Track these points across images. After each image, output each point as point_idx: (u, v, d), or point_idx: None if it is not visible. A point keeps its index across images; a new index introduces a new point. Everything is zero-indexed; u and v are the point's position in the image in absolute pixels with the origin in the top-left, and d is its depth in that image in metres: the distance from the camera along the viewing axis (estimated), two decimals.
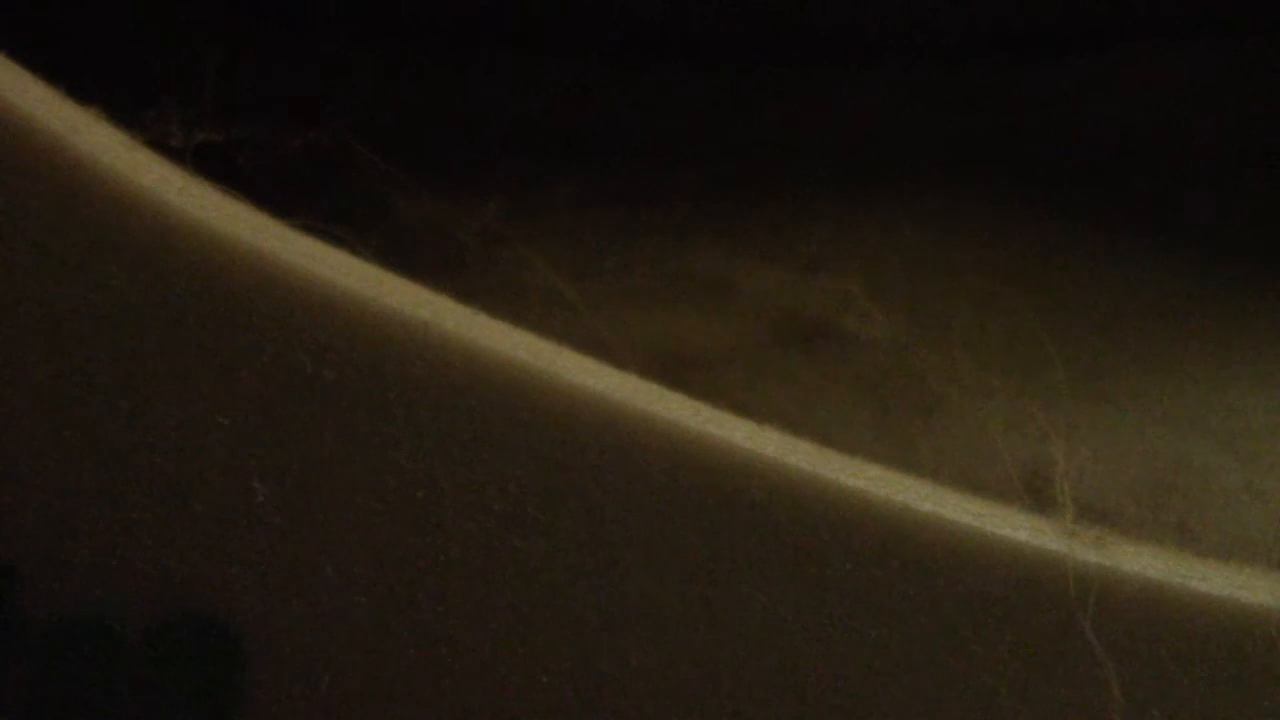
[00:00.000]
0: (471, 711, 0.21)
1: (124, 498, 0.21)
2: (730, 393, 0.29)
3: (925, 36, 0.32)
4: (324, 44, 0.32)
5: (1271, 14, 0.32)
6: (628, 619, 0.20)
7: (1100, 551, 0.20)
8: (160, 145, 0.22)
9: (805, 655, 0.20)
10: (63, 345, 0.21)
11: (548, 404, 0.20)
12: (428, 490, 0.20)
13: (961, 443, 0.29)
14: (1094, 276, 0.31)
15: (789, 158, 0.32)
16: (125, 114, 0.21)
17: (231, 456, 0.21)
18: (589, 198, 0.31)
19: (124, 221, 0.21)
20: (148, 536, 0.21)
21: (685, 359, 0.30)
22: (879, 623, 0.20)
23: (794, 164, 0.32)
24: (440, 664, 0.21)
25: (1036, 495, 0.21)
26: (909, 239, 0.31)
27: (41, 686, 0.21)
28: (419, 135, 0.32)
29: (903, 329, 0.30)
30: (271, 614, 0.21)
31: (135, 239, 0.21)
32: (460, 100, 0.32)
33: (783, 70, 0.32)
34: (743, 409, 0.21)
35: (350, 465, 0.20)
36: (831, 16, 0.32)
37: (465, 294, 0.21)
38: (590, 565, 0.20)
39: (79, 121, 0.21)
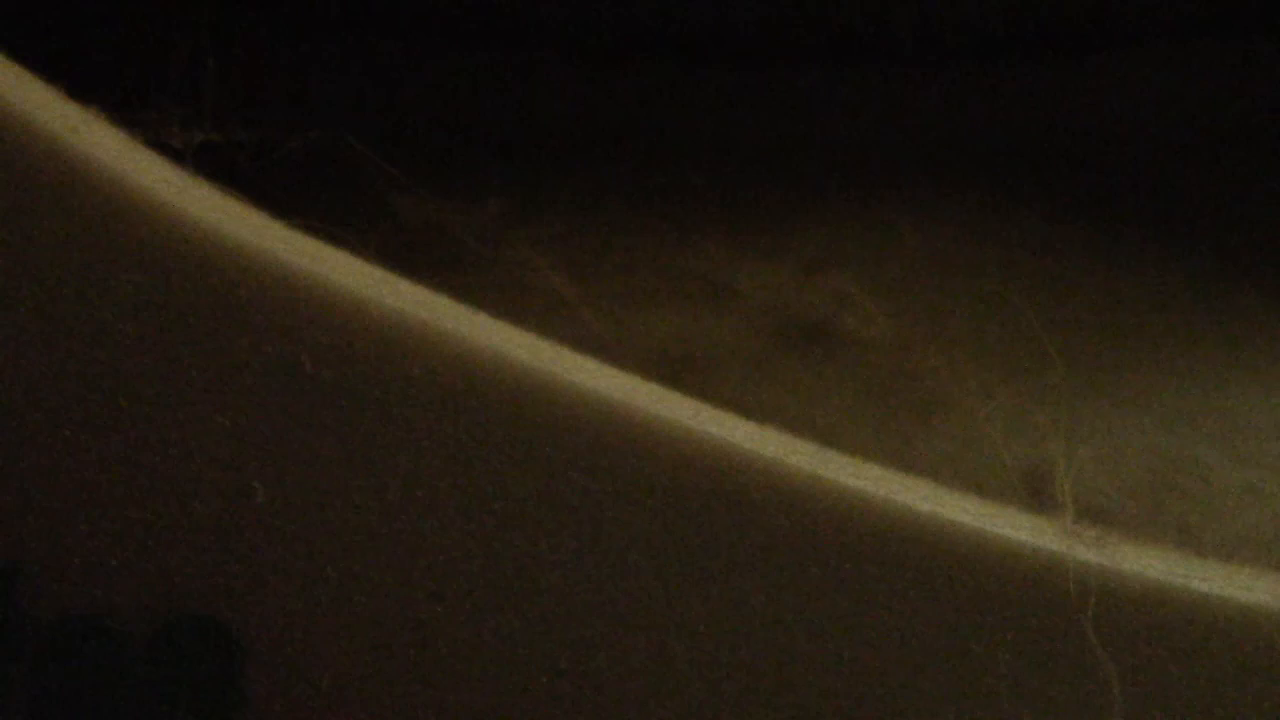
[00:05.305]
0: (472, 711, 0.21)
1: (124, 498, 0.21)
2: (730, 393, 0.29)
3: (925, 37, 0.32)
4: (324, 44, 0.32)
5: (1271, 14, 0.32)
6: (628, 619, 0.20)
7: (1100, 551, 0.20)
8: (160, 145, 0.22)
9: (805, 655, 0.20)
10: (63, 345, 0.21)
11: (548, 404, 0.20)
12: (428, 490, 0.20)
13: (961, 443, 0.29)
14: (1094, 276, 0.31)
15: (789, 158, 0.32)
16: (125, 114, 0.21)
17: (231, 456, 0.21)
18: (589, 198, 0.31)
19: (124, 221, 0.21)
20: (148, 536, 0.21)
21: (685, 359, 0.30)
22: (879, 623, 0.20)
23: (794, 164, 0.32)
24: (440, 664, 0.21)
25: (1036, 495, 0.21)
26: (908, 239, 0.31)
27: (41, 686, 0.21)
28: (419, 135, 0.32)
29: (903, 329, 0.30)
30: (271, 614, 0.21)
31: (135, 239, 0.21)
32: (461, 100, 0.32)
33: (783, 70, 0.32)
34: (743, 409, 0.21)
35: (350, 465, 0.20)
36: (830, 18, 0.32)
37: (465, 294, 0.21)
38: (590, 565, 0.20)
39: (79, 121, 0.21)
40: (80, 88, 0.21)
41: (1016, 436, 0.28)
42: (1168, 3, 0.32)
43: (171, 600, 0.21)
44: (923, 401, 0.29)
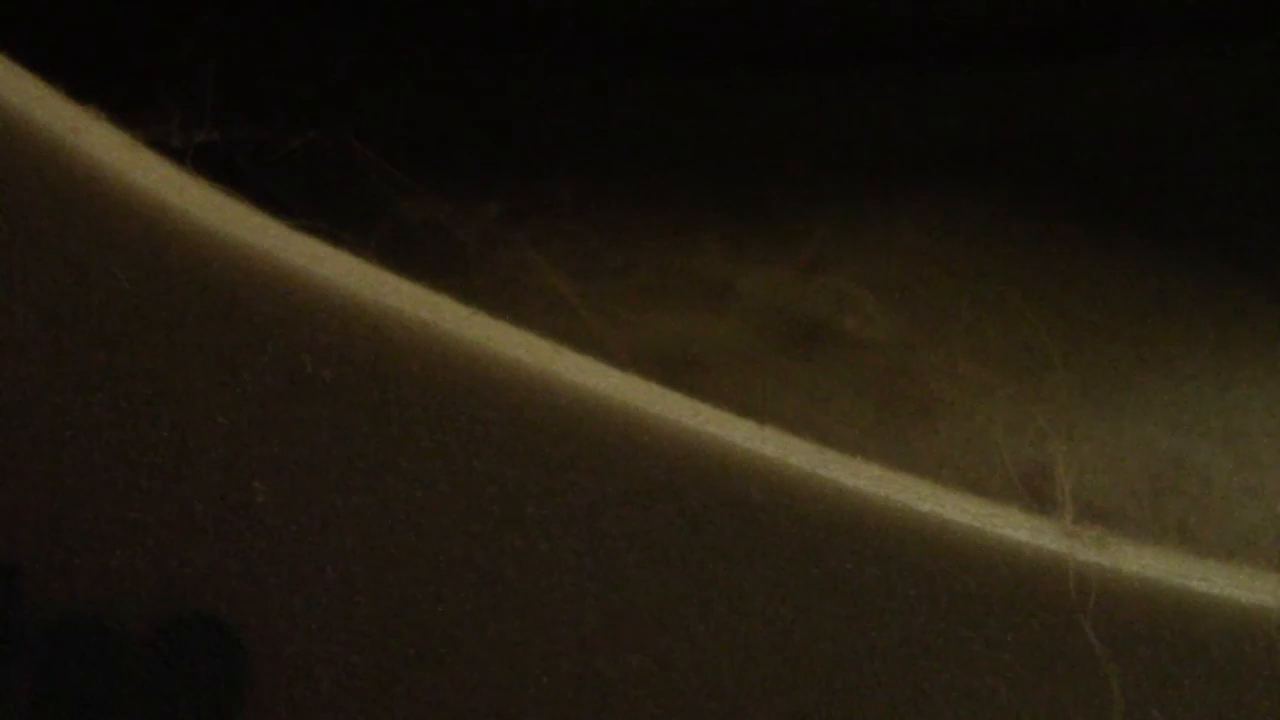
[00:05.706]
0: (472, 712, 0.21)
1: (124, 498, 0.21)
2: (730, 393, 0.29)
3: (925, 37, 0.32)
4: (324, 44, 0.32)
5: (1271, 14, 0.32)
6: (628, 619, 0.20)
7: (1100, 551, 0.20)
8: (160, 145, 0.22)
9: (805, 655, 0.20)
10: (63, 345, 0.21)
11: (548, 404, 0.20)
12: (428, 490, 0.20)
13: (961, 443, 0.29)
14: (1094, 276, 0.31)
15: (789, 158, 0.32)
16: (125, 114, 0.21)
17: (231, 456, 0.21)
18: (589, 198, 0.31)
19: (124, 221, 0.21)
20: (148, 536, 0.21)
21: (685, 359, 0.30)
22: (879, 623, 0.20)
23: (794, 164, 0.32)
24: (441, 664, 0.21)
25: (1036, 495, 0.21)
26: (909, 239, 0.31)
27: (42, 686, 0.21)
28: (419, 135, 0.32)
29: (903, 329, 0.30)
30: (271, 614, 0.21)
31: (135, 239, 0.20)
32: (461, 100, 0.32)
33: (783, 70, 0.32)
34: (743, 409, 0.21)
35: (350, 465, 0.20)
36: (831, 17, 0.32)
37: (465, 294, 0.21)
38: (590, 565, 0.20)
39: (79, 121, 0.21)
40: (80, 87, 0.21)
41: (1016, 436, 0.28)
42: (1169, 3, 0.32)
43: (171, 600, 0.21)
44: (923, 401, 0.29)
